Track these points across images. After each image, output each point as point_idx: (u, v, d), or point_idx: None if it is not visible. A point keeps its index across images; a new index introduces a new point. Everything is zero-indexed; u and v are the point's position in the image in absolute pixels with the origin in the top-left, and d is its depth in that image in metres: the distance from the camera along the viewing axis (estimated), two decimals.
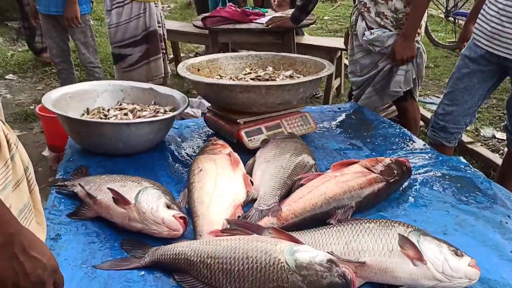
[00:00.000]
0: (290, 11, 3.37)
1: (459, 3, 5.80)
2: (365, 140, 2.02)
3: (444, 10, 6.04)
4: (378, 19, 2.31)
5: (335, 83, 3.97)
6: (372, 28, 2.32)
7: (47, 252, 0.79)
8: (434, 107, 4.04)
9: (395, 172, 1.50)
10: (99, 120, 1.73)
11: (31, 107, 3.70)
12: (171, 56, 4.83)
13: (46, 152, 2.87)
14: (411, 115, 2.68)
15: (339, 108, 2.41)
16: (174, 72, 4.81)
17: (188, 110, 3.35)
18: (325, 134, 2.08)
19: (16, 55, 5.24)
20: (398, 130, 2.12)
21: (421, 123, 3.55)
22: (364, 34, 2.33)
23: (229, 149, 1.64)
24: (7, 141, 0.91)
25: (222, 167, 1.53)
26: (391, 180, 1.48)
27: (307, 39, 3.87)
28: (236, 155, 1.62)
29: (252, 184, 1.51)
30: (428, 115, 3.65)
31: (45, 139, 2.90)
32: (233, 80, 2.00)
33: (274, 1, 3.31)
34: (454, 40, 5.88)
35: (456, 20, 5.90)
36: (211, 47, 3.45)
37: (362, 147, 1.96)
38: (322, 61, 2.05)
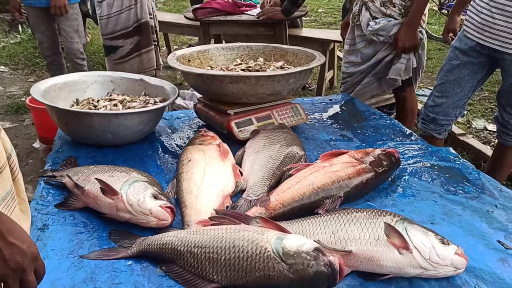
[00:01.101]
0: None
1: None
2: (355, 131, 2.02)
3: (437, 3, 6.03)
4: (383, 9, 2.31)
5: (328, 75, 3.97)
6: (377, 18, 2.32)
7: (27, 239, 0.78)
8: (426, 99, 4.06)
9: (384, 162, 1.51)
10: (87, 110, 1.71)
11: (22, 99, 3.67)
12: (164, 48, 4.80)
13: (37, 144, 2.86)
14: (408, 105, 2.68)
15: (331, 100, 2.41)
16: (167, 64, 4.81)
17: (180, 101, 3.34)
18: (316, 125, 2.08)
19: (8, 47, 5.20)
20: (388, 122, 2.12)
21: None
22: (368, 24, 2.33)
23: (218, 140, 1.64)
24: None
25: (211, 157, 1.53)
26: (379, 171, 1.48)
27: (300, 31, 3.85)
28: (225, 145, 1.62)
29: (242, 175, 1.51)
30: (420, 106, 3.65)
31: (36, 131, 2.89)
32: (224, 71, 2.00)
33: (267, 4, 3.28)
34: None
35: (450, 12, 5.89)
36: (203, 38, 3.43)
37: (352, 138, 1.96)
38: (313, 52, 2.05)
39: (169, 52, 4.78)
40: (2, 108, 3.54)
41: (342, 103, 2.36)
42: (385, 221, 1.10)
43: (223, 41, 4.31)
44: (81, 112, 1.66)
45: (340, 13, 7.32)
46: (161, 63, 3.80)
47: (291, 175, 1.46)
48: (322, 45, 3.65)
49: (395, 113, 3.08)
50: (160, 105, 1.76)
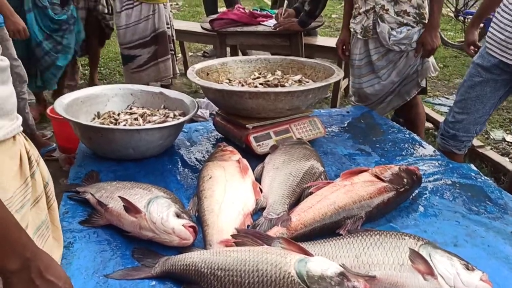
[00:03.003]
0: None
1: (469, 3, 5.75)
2: (374, 146, 2.01)
3: (453, 9, 5.99)
4: (400, 18, 2.34)
5: (343, 83, 3.96)
6: (393, 28, 2.34)
7: (63, 275, 0.80)
8: (443, 108, 4.02)
9: (405, 181, 1.50)
10: (110, 126, 1.74)
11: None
12: (179, 55, 4.84)
13: (56, 153, 2.90)
14: (420, 109, 2.69)
15: (348, 112, 2.40)
16: (182, 72, 4.83)
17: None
18: (334, 138, 2.08)
19: None
20: (407, 136, 2.11)
21: (430, 125, 3.54)
22: (391, 35, 2.34)
23: (238, 156, 1.64)
24: (29, 158, 0.91)
25: (232, 174, 1.53)
26: (401, 189, 1.47)
27: (315, 39, 3.85)
28: (245, 161, 1.62)
29: (261, 192, 1.51)
30: (437, 116, 3.62)
31: (56, 141, 2.92)
32: (242, 84, 2.01)
33: (281, 16, 3.29)
34: (464, 39, 5.84)
35: (466, 20, 5.85)
36: (219, 49, 3.45)
37: (371, 152, 1.96)
38: (331, 66, 2.05)
39: (185, 59, 4.81)
40: None
41: (360, 115, 2.35)
42: (409, 245, 1.10)
43: (239, 51, 4.33)
44: (103, 127, 1.69)
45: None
46: (178, 71, 3.84)
47: (311, 193, 1.46)
48: (337, 54, 3.63)
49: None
50: (180, 120, 1.78)
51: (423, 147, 2.01)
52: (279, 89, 1.76)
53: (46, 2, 3.25)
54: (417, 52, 2.37)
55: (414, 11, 2.31)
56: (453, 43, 5.76)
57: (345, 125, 2.24)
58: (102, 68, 5.03)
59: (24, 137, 0.93)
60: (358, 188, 1.43)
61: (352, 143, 2.05)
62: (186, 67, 4.82)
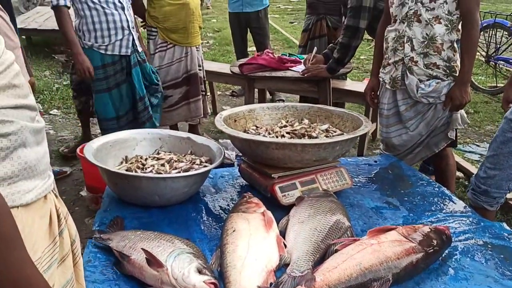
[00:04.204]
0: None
1: (500, 48, 5.70)
2: (402, 199, 1.97)
3: (484, 54, 5.94)
4: (429, 71, 2.32)
5: (371, 128, 3.93)
6: (422, 81, 2.32)
7: None
8: (474, 156, 3.92)
9: (434, 242, 1.45)
10: (136, 174, 1.76)
11: (72, 144, 3.82)
12: (208, 94, 4.93)
13: (84, 192, 2.95)
14: (451, 161, 2.62)
15: (376, 161, 2.37)
16: (211, 111, 4.91)
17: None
18: (361, 190, 2.04)
19: (61, 88, 5.46)
20: (437, 189, 2.05)
21: (460, 174, 3.45)
22: (419, 88, 2.33)
23: (263, 208, 1.62)
24: (58, 216, 0.92)
25: (256, 227, 1.51)
26: (429, 251, 1.42)
27: (344, 83, 3.86)
28: (270, 214, 1.60)
29: (285, 247, 1.48)
30: (468, 166, 3.53)
31: (84, 179, 2.98)
32: (269, 132, 2.01)
33: (309, 62, 3.33)
34: (495, 84, 5.76)
35: (497, 65, 5.79)
36: (247, 93, 3.51)
37: (399, 206, 1.91)
38: (359, 116, 2.04)
39: (213, 98, 4.89)
40: (53, 153, 3.68)
41: (387, 165, 2.31)
42: None
43: (267, 92, 4.38)
44: (130, 175, 1.71)
45: None
46: (208, 111, 3.90)
47: (337, 250, 1.43)
48: (365, 98, 3.63)
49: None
50: (206, 168, 1.79)
51: (453, 202, 1.95)
52: (306, 140, 1.75)
53: (144, 57, 3.39)
54: (445, 106, 2.34)
55: (444, 64, 2.28)
56: (484, 88, 5.68)
57: (372, 175, 2.20)
58: None
59: (55, 194, 0.95)
60: (386, 248, 1.39)
61: (379, 195, 2.01)
62: (214, 106, 4.90)
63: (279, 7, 12.93)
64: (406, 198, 1.97)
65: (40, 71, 6.24)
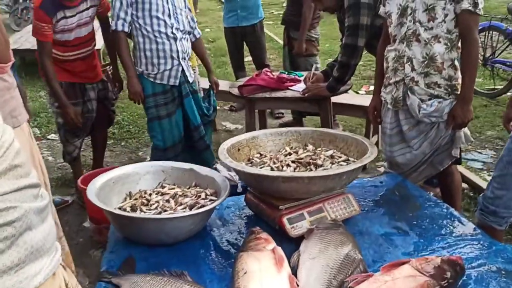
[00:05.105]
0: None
1: (496, 52, 5.71)
2: (411, 223, 1.94)
3: (481, 57, 5.95)
4: (430, 90, 2.30)
5: (373, 140, 3.92)
6: (423, 100, 2.30)
7: None
8: (476, 164, 3.91)
9: (448, 274, 1.43)
10: (141, 215, 1.73)
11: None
12: None
13: (87, 224, 2.92)
14: (456, 177, 2.61)
15: (381, 182, 2.34)
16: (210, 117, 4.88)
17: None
18: (369, 215, 2.02)
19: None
20: (445, 210, 2.03)
21: (465, 185, 3.43)
22: (421, 108, 2.31)
23: (273, 244, 1.60)
24: None
25: (267, 267, 1.48)
26: (444, 285, 1.40)
27: (342, 97, 3.85)
28: (280, 251, 1.57)
29: (298, 286, 1.46)
30: (472, 176, 3.51)
31: (86, 210, 2.95)
32: (274, 162, 1.99)
33: (309, 80, 3.32)
34: (493, 87, 5.76)
35: (494, 68, 5.79)
36: (248, 114, 3.49)
37: (408, 231, 1.88)
38: (363, 141, 2.02)
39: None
40: (52, 180, 3.64)
41: (394, 186, 2.29)
42: None
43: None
44: (135, 217, 1.68)
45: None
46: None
47: (350, 287, 1.41)
48: (365, 112, 3.61)
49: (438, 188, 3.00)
50: (213, 205, 1.76)
51: (462, 224, 1.93)
52: (313, 173, 1.73)
53: (196, 87, 3.41)
54: (448, 125, 2.33)
55: (446, 83, 2.27)
56: (482, 91, 5.68)
57: (379, 198, 2.18)
58: (131, 126, 5.15)
59: (62, 266, 0.92)
60: (400, 285, 1.37)
61: (387, 219, 1.98)
62: (213, 123, 4.88)
63: (272, 12, 12.93)
64: (415, 222, 1.95)
65: (35, 92, 6.21)
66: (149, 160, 3.29)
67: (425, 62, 2.25)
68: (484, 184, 3.35)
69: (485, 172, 3.75)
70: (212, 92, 3.55)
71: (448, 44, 2.22)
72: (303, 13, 4.33)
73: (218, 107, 5.57)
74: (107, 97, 3.64)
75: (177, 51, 3.16)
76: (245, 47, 5.33)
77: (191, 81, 3.29)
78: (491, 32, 5.63)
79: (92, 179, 1.95)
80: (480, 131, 4.61)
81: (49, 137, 4.76)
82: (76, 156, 3.51)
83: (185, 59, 3.26)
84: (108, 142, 4.51)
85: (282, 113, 5.09)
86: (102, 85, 3.58)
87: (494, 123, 4.84)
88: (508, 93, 5.64)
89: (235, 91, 3.51)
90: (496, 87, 5.73)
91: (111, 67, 5.67)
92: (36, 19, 3.08)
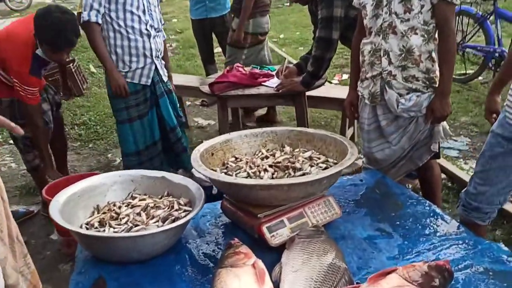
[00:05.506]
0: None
1: (466, 37, 5.72)
2: (394, 224, 1.88)
3: None
4: (408, 84, 2.23)
5: (349, 132, 3.87)
6: (401, 94, 2.23)
7: None
8: (452, 153, 3.91)
9: (437, 281, 1.37)
10: (111, 235, 1.60)
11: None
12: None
13: (54, 236, 2.76)
14: (435, 171, 2.57)
15: (361, 180, 2.28)
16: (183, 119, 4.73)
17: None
18: (350, 217, 1.95)
19: None
20: (428, 208, 1.98)
21: (443, 175, 3.42)
22: (399, 103, 2.24)
23: (253, 259, 1.50)
24: None
25: (247, 284, 1.39)
26: None
27: (317, 91, 3.76)
28: (261, 265, 1.48)
29: None
30: (449, 166, 3.50)
31: (53, 223, 2.79)
32: (250, 166, 1.89)
33: (281, 73, 3.21)
34: (465, 72, 5.79)
35: (465, 53, 5.82)
36: (221, 113, 3.36)
37: (392, 233, 1.82)
38: (342, 140, 1.94)
39: (184, 112, 4.71)
40: (16, 189, 3.44)
41: (374, 184, 2.23)
42: None
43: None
44: (103, 236, 1.56)
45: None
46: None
47: None
48: (341, 104, 3.54)
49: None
50: (187, 218, 1.64)
51: (446, 222, 1.88)
52: (292, 180, 1.64)
53: (170, 86, 3.24)
54: (427, 119, 2.27)
55: (423, 75, 2.21)
56: (453, 76, 5.69)
57: (360, 197, 2.11)
58: (98, 127, 4.93)
59: None
60: None
61: (370, 221, 1.92)
62: (185, 119, 4.74)
63: None
64: (398, 223, 1.89)
65: None
66: (122, 167, 3.13)
67: (402, 55, 2.18)
68: (461, 174, 3.34)
69: (461, 160, 3.75)
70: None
71: (425, 35, 2.15)
72: (243, 0, 4.14)
73: (189, 102, 5.45)
74: (57, 102, 3.42)
75: (151, 49, 3.01)
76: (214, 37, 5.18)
77: (165, 80, 3.15)
78: (461, 16, 5.63)
79: (57, 188, 1.83)
80: (454, 117, 4.62)
81: (11, 141, 4.51)
82: (36, 165, 3.27)
83: (158, 57, 3.11)
84: (74, 145, 4.32)
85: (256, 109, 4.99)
86: (51, 91, 3.36)
87: (467, 108, 4.87)
88: (480, 77, 5.69)
89: (206, 89, 3.37)
90: (467, 72, 5.77)
91: (73, 64, 5.46)
92: (29, 85, 2.92)
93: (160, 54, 3.14)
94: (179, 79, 4.40)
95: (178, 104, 3.33)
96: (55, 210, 1.65)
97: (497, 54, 5.30)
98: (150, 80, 3.04)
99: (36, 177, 3.34)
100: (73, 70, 5.54)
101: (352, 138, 4.00)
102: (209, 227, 1.92)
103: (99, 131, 4.85)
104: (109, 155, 4.29)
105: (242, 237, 1.71)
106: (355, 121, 4.02)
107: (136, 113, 3.05)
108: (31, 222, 3.02)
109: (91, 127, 4.92)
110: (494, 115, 2.14)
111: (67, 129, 4.67)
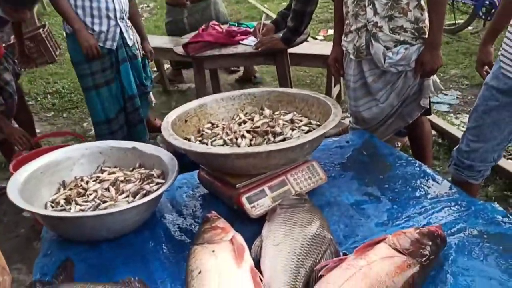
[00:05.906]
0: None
1: None
2: (382, 187, 1.78)
3: None
4: (395, 36, 2.06)
5: (335, 91, 3.72)
6: (388, 47, 2.07)
7: None
8: (442, 107, 3.79)
9: (428, 249, 1.27)
10: (76, 214, 1.47)
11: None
12: (156, 72, 4.54)
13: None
14: (426, 128, 2.46)
15: (348, 142, 2.15)
16: (160, 89, 4.53)
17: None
18: (336, 182, 1.83)
19: None
20: (417, 168, 1.87)
21: (433, 131, 3.31)
22: (386, 56, 2.08)
23: (231, 234, 1.38)
24: None
25: (225, 261, 1.28)
26: (425, 262, 1.24)
27: (300, 47, 3.56)
28: (240, 240, 1.36)
29: (262, 281, 1.27)
30: (439, 121, 3.38)
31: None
32: (227, 132, 1.75)
33: (259, 31, 3.01)
34: (454, 22, 5.60)
35: (454, 2, 5.61)
36: (197, 76, 3.16)
37: (380, 197, 1.72)
38: (326, 100, 1.79)
39: (162, 76, 4.51)
40: None
41: (361, 145, 2.11)
42: None
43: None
44: (68, 217, 1.43)
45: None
46: (153, 99, 3.56)
47: (321, 276, 1.23)
48: (324, 61, 3.37)
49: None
50: (159, 191, 1.52)
51: (437, 182, 1.78)
52: (271, 146, 1.50)
53: (136, 51, 3.03)
54: (417, 73, 2.12)
55: (412, 26, 2.04)
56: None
57: (346, 160, 1.99)
58: (72, 95, 4.69)
59: None
60: (377, 269, 1.20)
61: (357, 185, 1.81)
62: (164, 84, 4.54)
63: None
64: (386, 186, 1.78)
65: None
66: (95, 136, 2.97)
67: (389, 4, 2.00)
68: (452, 130, 3.23)
69: (452, 115, 3.64)
70: (147, 62, 3.21)
71: None
72: None
73: (167, 66, 5.22)
74: (16, 73, 3.17)
75: (114, 9, 2.79)
76: None
77: (130, 45, 2.94)
78: None
79: (25, 163, 1.69)
80: (444, 70, 4.47)
81: None
82: (2, 139, 3.05)
83: (123, 18, 2.89)
84: (47, 115, 4.12)
85: (238, 67, 4.78)
86: (10, 61, 3.09)
87: (457, 60, 4.71)
88: (470, 27, 5.51)
89: (180, 50, 3.16)
90: (457, 21, 5.57)
91: (44, 30, 5.14)
92: None
93: (125, 15, 2.93)
94: (156, 41, 4.15)
95: (145, 71, 3.13)
96: (13, 189, 1.51)
97: (487, 2, 5.09)
98: (115, 44, 2.86)
99: (4, 151, 3.16)
100: (43, 36, 5.25)
101: (338, 96, 3.86)
102: (185, 199, 1.80)
103: (73, 99, 4.62)
104: (85, 124, 4.10)
105: (221, 209, 1.61)
106: (341, 78, 3.87)
107: (102, 79, 2.87)
108: (2, 199, 2.87)
109: (65, 95, 4.68)
110: (486, 68, 2.00)
111: (39, 99, 4.46)
